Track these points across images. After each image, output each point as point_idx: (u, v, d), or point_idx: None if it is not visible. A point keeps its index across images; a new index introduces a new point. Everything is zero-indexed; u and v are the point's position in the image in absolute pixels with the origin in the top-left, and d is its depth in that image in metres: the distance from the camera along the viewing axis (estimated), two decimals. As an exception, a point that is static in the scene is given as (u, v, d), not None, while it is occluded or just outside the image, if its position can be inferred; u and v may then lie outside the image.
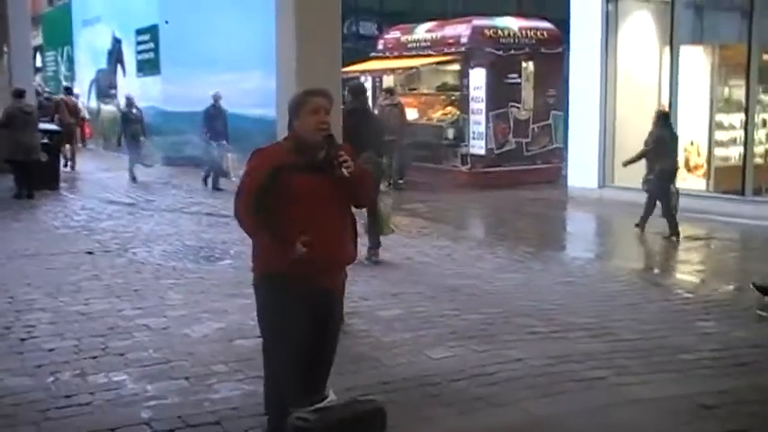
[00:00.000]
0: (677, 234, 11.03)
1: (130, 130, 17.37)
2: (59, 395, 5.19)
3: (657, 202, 11.32)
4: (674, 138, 11.56)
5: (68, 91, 23.22)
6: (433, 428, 4.81)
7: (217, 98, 16.12)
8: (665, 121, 11.52)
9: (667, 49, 14.32)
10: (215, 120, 16.05)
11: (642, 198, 11.61)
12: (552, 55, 17.06)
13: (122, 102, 22.59)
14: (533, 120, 17.04)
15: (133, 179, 17.15)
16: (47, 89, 26.19)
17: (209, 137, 15.99)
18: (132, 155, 17.43)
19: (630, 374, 5.71)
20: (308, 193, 3.84)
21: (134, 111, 17.69)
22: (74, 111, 21.41)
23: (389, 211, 9.59)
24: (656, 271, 9.63)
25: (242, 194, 3.93)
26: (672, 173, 11.34)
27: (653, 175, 11.26)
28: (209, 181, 16.04)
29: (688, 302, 7.95)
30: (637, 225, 11.63)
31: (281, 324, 3.97)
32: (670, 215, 11.11)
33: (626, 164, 11.98)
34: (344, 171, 3.82)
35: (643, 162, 11.55)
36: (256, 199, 3.87)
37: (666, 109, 12.39)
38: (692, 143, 14.26)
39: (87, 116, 25.37)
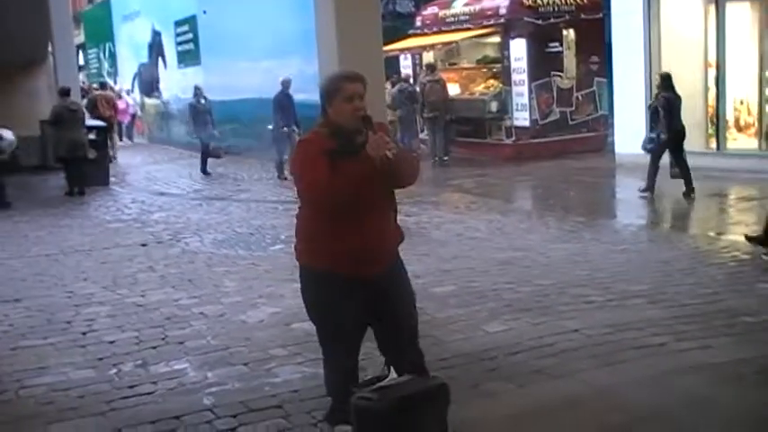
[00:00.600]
0: (693, 191, 11.33)
1: (200, 121, 16.93)
2: (123, 386, 5.27)
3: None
4: (679, 99, 11.64)
5: (103, 86, 23.71)
6: (493, 403, 4.79)
7: (286, 84, 15.55)
8: (669, 83, 11.59)
9: (712, 6, 14.01)
10: (286, 106, 15.46)
11: (691, 161, 11.42)
12: (593, 21, 16.79)
13: (164, 95, 22.83)
14: (577, 88, 16.83)
15: (205, 172, 16.79)
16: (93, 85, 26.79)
17: (281, 124, 15.32)
18: (203, 147, 17.04)
19: (691, 339, 5.63)
20: (351, 178, 3.72)
21: (202, 101, 17.08)
22: (111, 104, 21.78)
23: None
24: (710, 234, 9.45)
25: (318, 169, 3.72)
26: (683, 133, 11.50)
27: (664, 136, 11.38)
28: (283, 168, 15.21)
29: (745, 264, 7.81)
30: (645, 190, 11.72)
31: (324, 314, 3.99)
32: (687, 173, 11.34)
33: (652, 133, 11.89)
34: (388, 153, 3.69)
35: (691, 124, 11.36)
36: (329, 173, 3.72)
37: (668, 71, 12.34)
38: (741, 102, 13.99)
39: (139, 112, 26.15)
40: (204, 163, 16.95)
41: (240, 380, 5.27)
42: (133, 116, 26.13)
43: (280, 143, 15.33)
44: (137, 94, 26.92)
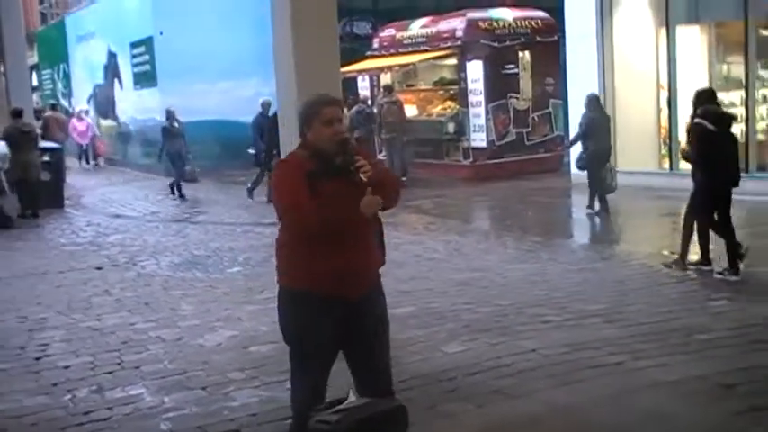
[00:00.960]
0: (606, 210, 11.89)
1: (173, 145, 16.24)
2: (78, 412, 5.19)
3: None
4: (606, 119, 12.19)
5: (54, 107, 23.57)
6: (452, 424, 4.80)
7: (265, 106, 14.87)
8: (596, 104, 12.08)
9: (663, 30, 14.29)
10: (269, 128, 14.00)
11: (645, 181, 11.62)
12: (548, 43, 17.01)
13: (123, 117, 22.55)
14: (533, 109, 16.99)
15: (180, 196, 16.07)
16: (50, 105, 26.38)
17: (270, 146, 13.99)
18: (177, 171, 16.34)
19: (648, 358, 5.69)
20: (332, 200, 3.73)
21: (175, 124, 16.35)
22: (63, 126, 21.88)
23: None
24: (664, 252, 9.58)
25: (300, 198, 3.74)
26: (604, 153, 11.88)
27: (585, 155, 11.94)
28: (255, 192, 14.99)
29: (697, 282, 7.93)
30: (588, 207, 12.17)
31: (303, 338, 3.94)
32: (601, 193, 11.91)
33: (568, 146, 12.91)
34: (362, 176, 3.74)
35: (644, 144, 11.58)
36: (309, 201, 3.73)
37: (597, 93, 13.01)
38: (693, 123, 14.23)
39: (98, 133, 25.15)
40: (179, 187, 16.22)
41: (198, 404, 5.22)
42: (92, 137, 25.28)
43: (265, 166, 14.45)
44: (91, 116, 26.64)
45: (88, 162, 24.70)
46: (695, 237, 8.44)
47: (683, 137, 14.06)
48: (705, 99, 8.30)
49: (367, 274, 4.03)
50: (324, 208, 3.71)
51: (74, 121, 24.13)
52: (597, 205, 11.92)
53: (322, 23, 6.61)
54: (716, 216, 8.28)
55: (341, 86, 6.90)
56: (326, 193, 3.74)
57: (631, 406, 4.85)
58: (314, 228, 3.76)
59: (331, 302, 3.85)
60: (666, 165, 14.40)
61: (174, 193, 16.21)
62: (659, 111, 14.58)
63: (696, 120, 8.16)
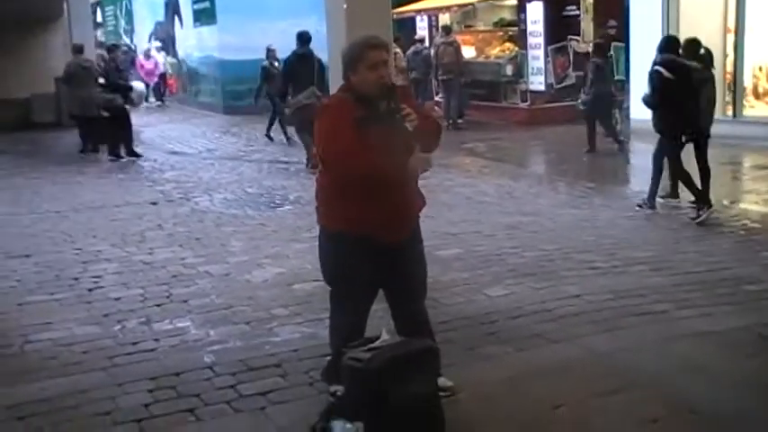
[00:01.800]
0: (620, 142, 13.04)
1: (274, 86, 14.66)
2: (126, 342, 5.33)
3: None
4: (610, 65, 13.14)
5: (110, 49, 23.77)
6: (491, 366, 4.81)
7: (271, 52, 15.42)
8: (601, 51, 13.11)
9: (733, -28, 13.79)
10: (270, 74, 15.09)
11: (714, 128, 11.31)
12: (612, -16, 16.55)
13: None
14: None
15: (270, 138, 15.32)
16: (124, 42, 26.30)
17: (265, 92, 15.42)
18: (273, 112, 15.21)
19: (693, 307, 5.63)
20: (375, 145, 3.73)
21: (276, 64, 15.07)
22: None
23: None
24: (723, 202, 9.38)
25: (350, 144, 3.72)
26: (607, 96, 12.85)
27: (589, 97, 12.75)
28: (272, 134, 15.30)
29: (754, 232, 7.77)
30: (587, 151, 12.91)
31: (343, 276, 4.01)
32: (612, 131, 13.13)
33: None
34: (408, 125, 3.73)
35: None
36: (359, 147, 3.74)
37: (601, 41, 13.77)
38: (760, 69, 13.79)
39: (170, 71, 24.88)
40: (283, 129, 15.08)
41: (241, 338, 5.32)
42: (163, 75, 24.80)
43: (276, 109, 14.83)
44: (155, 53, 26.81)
45: (157, 100, 24.50)
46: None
47: (749, 82, 13.76)
48: (668, 47, 8.61)
49: (409, 218, 4.09)
50: (369, 152, 3.71)
51: (141, 58, 24.23)
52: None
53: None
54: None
55: (391, 28, 6.82)
56: (372, 138, 3.71)
57: (671, 354, 4.81)
58: (363, 174, 3.76)
59: (373, 244, 3.89)
60: (730, 112, 14.01)
61: (271, 138, 15.30)
62: (725, 56, 14.13)
63: (655, 67, 8.46)
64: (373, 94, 3.82)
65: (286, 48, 15.96)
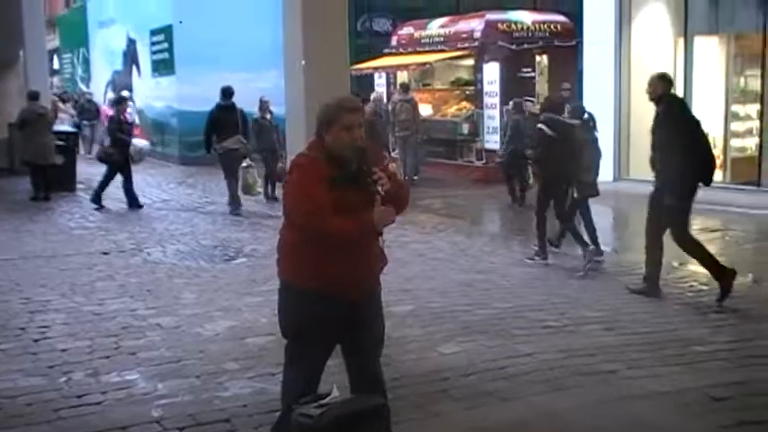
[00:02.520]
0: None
1: (266, 140, 13.89)
2: (72, 395, 5.24)
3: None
4: (529, 124, 12.94)
5: (119, 101, 23.55)
6: (441, 424, 4.81)
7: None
8: (519, 109, 13.56)
9: (682, 40, 14.24)
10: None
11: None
12: (566, 48, 16.96)
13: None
14: (548, 113, 16.94)
15: (273, 197, 13.78)
16: (87, 92, 25.88)
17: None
18: (267, 169, 14.06)
19: (642, 368, 5.69)
20: (344, 206, 3.75)
21: (268, 116, 14.19)
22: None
23: (256, 179, 13.34)
24: (672, 263, 9.54)
25: (317, 212, 3.74)
26: (521, 153, 12.72)
27: (506, 154, 13.38)
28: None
29: (702, 294, 7.89)
30: (511, 204, 13.61)
31: (305, 334, 3.96)
32: (524, 188, 13.52)
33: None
34: (380, 189, 3.77)
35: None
36: (328, 209, 3.75)
37: (520, 99, 13.97)
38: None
39: (137, 121, 22.39)
40: (273, 186, 14.05)
41: (190, 392, 5.25)
42: (131, 125, 24.34)
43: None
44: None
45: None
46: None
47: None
48: (552, 107, 9.73)
49: (372, 277, 4.09)
50: (339, 213, 3.72)
51: (105, 107, 23.48)
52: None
53: (332, 24, 6.63)
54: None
55: (349, 85, 6.92)
56: (339, 199, 3.74)
57: (620, 414, 4.85)
58: (331, 235, 3.78)
59: (335, 302, 3.87)
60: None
61: (267, 197, 13.99)
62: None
63: (538, 125, 9.46)
64: (346, 154, 3.85)
65: (244, 101, 16.10)
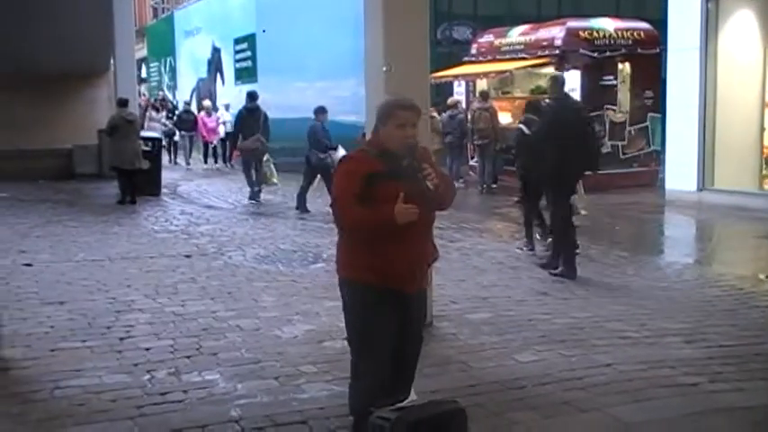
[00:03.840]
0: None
1: (319, 147, 13.88)
2: (154, 392, 5.36)
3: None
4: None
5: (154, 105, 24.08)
6: (519, 432, 4.78)
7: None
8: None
9: (771, 47, 13.87)
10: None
11: (741, 201, 11.31)
12: (649, 56, 16.70)
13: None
14: (630, 122, 16.72)
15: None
16: (185, 101, 25.81)
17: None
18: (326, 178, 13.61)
19: (725, 381, 5.54)
20: (394, 200, 3.87)
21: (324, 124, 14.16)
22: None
23: (273, 171, 15.44)
24: (759, 276, 9.30)
25: (341, 200, 3.99)
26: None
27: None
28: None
29: (790, 309, 7.67)
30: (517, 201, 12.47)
31: (368, 327, 4.07)
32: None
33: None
34: (429, 184, 3.93)
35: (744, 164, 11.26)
36: (356, 199, 3.94)
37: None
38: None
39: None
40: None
41: (268, 393, 5.32)
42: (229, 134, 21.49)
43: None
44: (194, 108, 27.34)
45: (216, 161, 22.82)
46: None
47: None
48: (529, 109, 10.57)
49: (424, 270, 4.23)
50: (383, 205, 3.86)
51: (202, 115, 22.75)
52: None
53: (413, 29, 6.66)
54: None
55: (429, 91, 6.94)
56: (389, 193, 3.86)
57: (700, 428, 4.75)
58: (345, 227, 4.03)
59: (394, 298, 4.02)
60: (767, 186, 13.96)
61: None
62: (762, 129, 14.12)
63: (518, 124, 10.42)
64: (397, 150, 4.01)
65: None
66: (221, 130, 22.16)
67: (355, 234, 4.06)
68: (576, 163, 8.90)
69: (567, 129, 8.80)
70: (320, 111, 14.14)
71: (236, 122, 15.99)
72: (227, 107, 22.27)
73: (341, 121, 17.49)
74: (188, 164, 22.51)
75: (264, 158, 15.26)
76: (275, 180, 15.63)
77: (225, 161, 22.44)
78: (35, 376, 5.68)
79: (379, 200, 3.91)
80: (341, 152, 13.53)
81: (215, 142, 22.75)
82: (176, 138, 23.24)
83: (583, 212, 10.05)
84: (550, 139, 8.90)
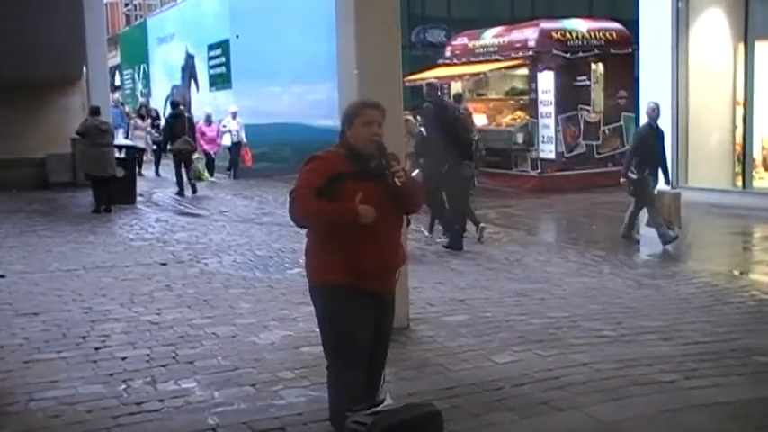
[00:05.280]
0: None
1: None
2: (130, 402, 5.30)
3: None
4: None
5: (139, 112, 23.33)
6: (497, 433, 4.77)
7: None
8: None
9: (742, 45, 13.99)
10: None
11: (716, 198, 11.40)
12: (622, 56, 16.84)
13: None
14: (604, 122, 16.84)
15: None
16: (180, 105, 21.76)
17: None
18: None
19: (701, 377, 5.57)
20: (362, 200, 3.92)
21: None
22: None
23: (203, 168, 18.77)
24: (733, 272, 9.37)
25: (301, 189, 4.01)
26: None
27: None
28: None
29: (765, 303, 7.73)
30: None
31: (344, 329, 4.06)
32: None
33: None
34: (397, 181, 3.98)
35: (718, 161, 11.36)
36: (316, 193, 3.95)
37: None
38: (769, 140, 13.91)
39: (245, 140, 20.58)
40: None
41: (246, 401, 5.29)
42: (238, 144, 20.48)
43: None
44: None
45: (212, 174, 20.37)
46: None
47: (758, 154, 13.84)
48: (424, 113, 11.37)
49: (395, 269, 4.26)
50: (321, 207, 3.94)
51: (201, 124, 20.32)
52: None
53: (384, 33, 6.65)
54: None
55: (401, 95, 6.94)
56: (350, 193, 3.91)
57: (677, 424, 4.76)
58: (297, 215, 4.04)
59: (367, 297, 4.05)
60: (740, 183, 14.08)
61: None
62: (734, 127, 14.25)
63: (419, 127, 11.16)
64: (365, 150, 4.05)
65: (299, 113, 16.27)
66: (227, 140, 20.27)
67: (310, 225, 4.11)
68: (453, 153, 10.64)
69: (446, 125, 10.69)
70: None
71: (165, 128, 18.39)
72: (234, 115, 20.24)
73: (315, 125, 17.51)
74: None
75: (195, 157, 17.82)
76: (207, 176, 18.60)
77: (230, 170, 20.82)
78: (9, 388, 5.61)
79: (340, 199, 3.95)
80: None
81: (214, 154, 20.53)
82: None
83: (676, 230, 10.46)
84: (434, 134, 10.64)
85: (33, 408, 5.27)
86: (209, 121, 20.53)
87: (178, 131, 17.23)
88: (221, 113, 21.69)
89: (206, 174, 18.31)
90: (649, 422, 4.84)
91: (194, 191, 17.29)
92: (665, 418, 4.88)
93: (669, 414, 4.94)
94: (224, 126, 20.32)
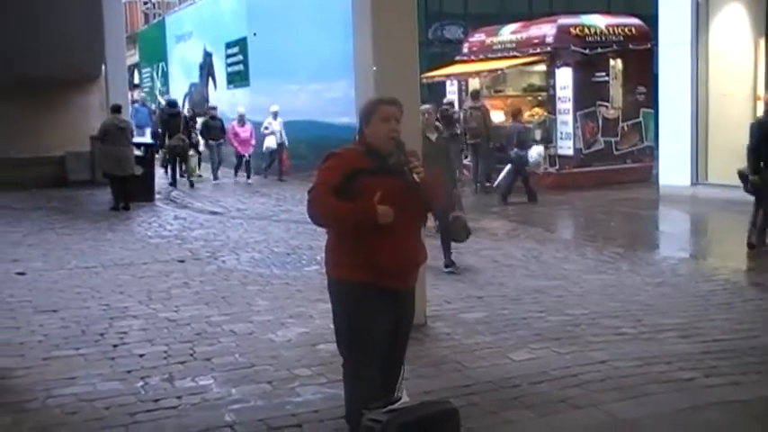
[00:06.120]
0: None
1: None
2: (148, 399, 5.33)
3: None
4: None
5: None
6: (515, 430, 4.75)
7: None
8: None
9: (763, 40, 13.85)
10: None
11: (735, 195, 11.29)
12: (641, 51, 16.70)
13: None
14: (622, 118, 16.72)
15: None
16: (211, 106, 21.44)
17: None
18: None
19: (720, 376, 5.53)
20: (381, 197, 3.90)
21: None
22: None
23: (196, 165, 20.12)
24: (754, 270, 9.28)
25: (319, 186, 3.98)
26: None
27: None
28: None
29: (785, 301, 7.66)
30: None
31: (361, 326, 4.05)
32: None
33: None
34: (415, 177, 3.95)
35: (737, 157, 11.22)
36: (334, 191, 3.93)
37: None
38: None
39: (286, 142, 19.39)
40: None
41: (263, 398, 5.30)
42: (281, 146, 19.28)
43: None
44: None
45: (249, 176, 19.48)
46: None
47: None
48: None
49: (416, 267, 4.23)
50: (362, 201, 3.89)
51: (234, 125, 19.70)
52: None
53: (401, 30, 6.65)
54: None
55: (419, 93, 6.92)
56: (368, 190, 3.89)
57: (696, 423, 4.73)
58: (315, 214, 3.99)
59: (386, 295, 4.01)
60: (759, 178, 13.93)
61: None
62: (755, 123, 14.11)
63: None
64: (383, 146, 4.03)
65: (317, 110, 16.25)
66: (271, 142, 19.03)
67: (329, 225, 4.08)
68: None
69: None
70: None
71: (161, 124, 19.66)
72: (275, 115, 19.05)
73: (333, 123, 17.51)
74: (216, 177, 19.79)
75: (190, 154, 19.21)
76: (200, 172, 19.98)
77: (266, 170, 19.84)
78: (28, 385, 5.66)
79: (358, 196, 3.92)
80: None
81: (248, 155, 19.55)
82: (201, 148, 20.39)
83: None
84: None
85: (51, 404, 5.30)
86: (242, 121, 19.60)
87: (173, 129, 18.72)
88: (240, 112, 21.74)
89: (199, 170, 20.13)
90: (668, 420, 4.81)
91: (191, 185, 18.57)
92: (684, 416, 4.84)
93: (688, 412, 4.91)
94: (266, 128, 19.07)
